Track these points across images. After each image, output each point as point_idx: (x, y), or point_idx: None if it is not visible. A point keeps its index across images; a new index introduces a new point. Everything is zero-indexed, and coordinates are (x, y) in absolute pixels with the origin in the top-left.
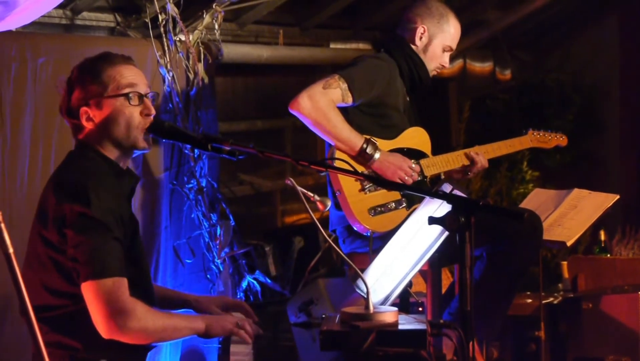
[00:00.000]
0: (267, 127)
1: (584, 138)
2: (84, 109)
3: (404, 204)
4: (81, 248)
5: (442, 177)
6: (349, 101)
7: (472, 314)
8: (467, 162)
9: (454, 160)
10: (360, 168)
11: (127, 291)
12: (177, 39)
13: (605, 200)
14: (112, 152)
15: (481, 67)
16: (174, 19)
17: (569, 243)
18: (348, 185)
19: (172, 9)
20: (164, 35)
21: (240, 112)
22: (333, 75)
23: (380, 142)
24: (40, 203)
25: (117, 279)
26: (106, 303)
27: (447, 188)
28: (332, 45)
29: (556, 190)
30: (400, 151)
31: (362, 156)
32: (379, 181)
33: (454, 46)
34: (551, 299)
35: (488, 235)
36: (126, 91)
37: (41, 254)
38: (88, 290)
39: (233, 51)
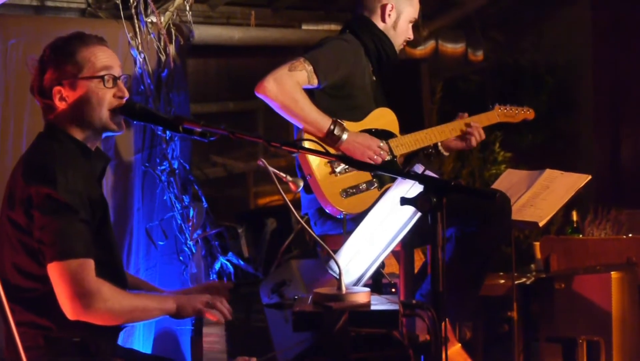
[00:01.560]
0: (239, 108)
1: (556, 118)
2: (57, 88)
3: (376, 185)
4: (47, 229)
5: (440, 146)
6: (315, 82)
7: (444, 294)
8: (437, 140)
9: (422, 139)
10: (329, 150)
11: (92, 273)
12: (149, 20)
13: (578, 180)
14: (81, 134)
15: (453, 48)
16: (145, 0)
17: (541, 224)
18: (318, 168)
19: None
20: (135, 16)
21: (212, 94)
22: (298, 58)
23: (347, 124)
24: (9, 184)
25: (83, 261)
26: (71, 284)
27: (419, 168)
28: (304, 27)
29: (528, 171)
30: (368, 132)
31: (329, 138)
32: (351, 161)
33: (417, 17)
34: (524, 279)
35: (456, 217)
36: (102, 73)
37: (10, 236)
38: (53, 271)
39: (204, 32)
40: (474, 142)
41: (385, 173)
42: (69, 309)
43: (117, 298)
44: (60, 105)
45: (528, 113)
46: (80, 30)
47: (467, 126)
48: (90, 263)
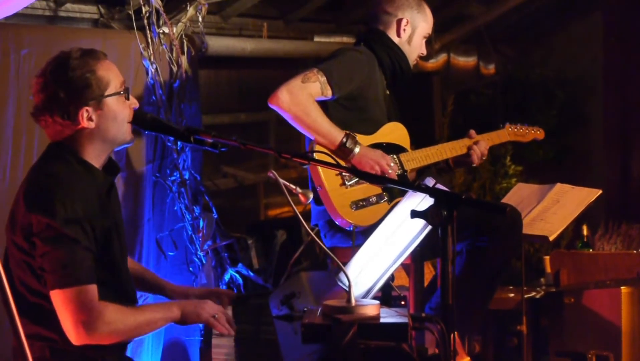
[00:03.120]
0: (250, 120)
1: (567, 133)
2: (84, 109)
3: (386, 198)
4: (48, 257)
5: (450, 161)
6: (328, 94)
7: (454, 307)
8: (448, 156)
9: (433, 154)
10: (340, 163)
11: (95, 298)
12: (161, 31)
13: (588, 195)
14: (94, 152)
15: (465, 61)
16: (157, 11)
17: (551, 238)
18: (329, 180)
19: (155, 1)
20: (147, 27)
21: (223, 105)
22: (312, 69)
23: (359, 137)
24: (12, 206)
25: (84, 287)
26: (74, 312)
27: (430, 181)
28: (316, 39)
29: (539, 185)
30: (379, 145)
31: (341, 150)
32: (362, 174)
33: (431, 32)
34: (533, 293)
35: (467, 231)
36: (122, 88)
37: (15, 255)
38: (56, 298)
39: (217, 44)
40: (475, 161)
41: (395, 187)
42: (74, 335)
43: (120, 318)
44: (88, 125)
45: (538, 133)
46: (80, 47)
47: (475, 144)
48: (92, 289)
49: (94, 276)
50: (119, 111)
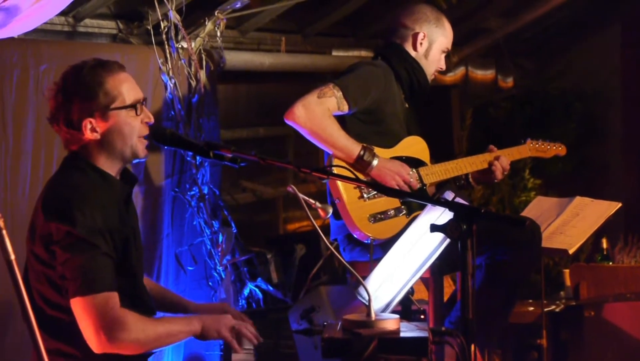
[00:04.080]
0: (269, 134)
1: (586, 146)
2: (88, 120)
3: (404, 212)
4: (68, 265)
5: (470, 178)
6: (345, 109)
7: (474, 321)
8: (467, 171)
9: (453, 169)
10: (359, 176)
11: (116, 305)
12: (179, 46)
13: (608, 208)
14: (108, 163)
15: (483, 74)
16: (176, 26)
17: (571, 251)
18: (347, 193)
19: (174, 16)
20: (166, 42)
21: (242, 120)
22: (328, 84)
23: (378, 150)
24: (32, 217)
25: (106, 294)
26: (95, 319)
27: (449, 195)
28: (334, 53)
29: (558, 198)
30: (399, 159)
31: (359, 163)
32: (381, 188)
33: (450, 47)
34: (553, 307)
35: (486, 245)
36: (133, 102)
37: (34, 267)
38: (77, 306)
39: (235, 58)
40: (498, 176)
41: (415, 201)
42: (95, 343)
43: (141, 327)
44: (92, 136)
45: (560, 149)
46: (96, 58)
47: (496, 159)
48: (114, 296)
49: (115, 283)
50: (125, 125)
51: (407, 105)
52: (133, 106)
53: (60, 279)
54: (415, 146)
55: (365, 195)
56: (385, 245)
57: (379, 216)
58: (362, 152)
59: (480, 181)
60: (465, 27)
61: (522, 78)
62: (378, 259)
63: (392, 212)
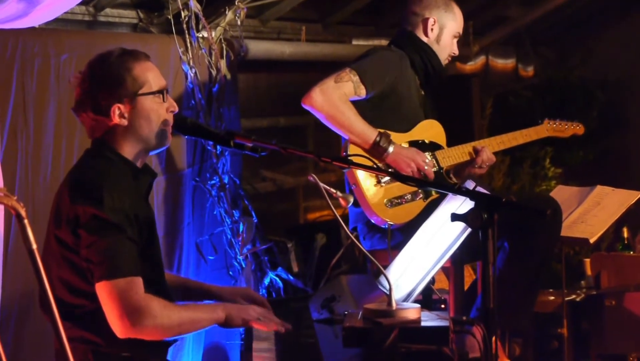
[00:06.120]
0: (289, 124)
1: (607, 135)
2: (116, 105)
3: (421, 196)
4: (94, 248)
5: (451, 174)
6: (362, 93)
7: (494, 311)
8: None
9: (470, 151)
10: (376, 162)
11: (141, 290)
12: (200, 35)
13: (629, 197)
14: (133, 150)
15: (504, 63)
16: (196, 15)
17: (591, 240)
18: (364, 178)
19: (194, 5)
20: (186, 31)
21: (262, 109)
22: (344, 68)
23: (394, 135)
24: (56, 202)
25: (131, 279)
26: (120, 303)
27: (470, 184)
28: (354, 42)
29: (579, 187)
30: (415, 143)
31: (375, 149)
32: (401, 177)
33: (461, 32)
34: (574, 296)
35: (507, 224)
36: (159, 88)
37: (57, 253)
38: (102, 290)
39: (255, 48)
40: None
41: (438, 190)
42: (119, 327)
43: (165, 312)
44: (120, 122)
45: (578, 128)
46: (122, 47)
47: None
48: (139, 281)
49: (139, 268)
50: (152, 111)
51: (422, 92)
52: (160, 92)
53: (85, 262)
54: (431, 130)
55: (381, 180)
56: (404, 229)
57: (395, 200)
58: (378, 139)
59: (463, 175)
60: (486, 16)
61: (543, 67)
62: (397, 244)
63: (408, 196)
